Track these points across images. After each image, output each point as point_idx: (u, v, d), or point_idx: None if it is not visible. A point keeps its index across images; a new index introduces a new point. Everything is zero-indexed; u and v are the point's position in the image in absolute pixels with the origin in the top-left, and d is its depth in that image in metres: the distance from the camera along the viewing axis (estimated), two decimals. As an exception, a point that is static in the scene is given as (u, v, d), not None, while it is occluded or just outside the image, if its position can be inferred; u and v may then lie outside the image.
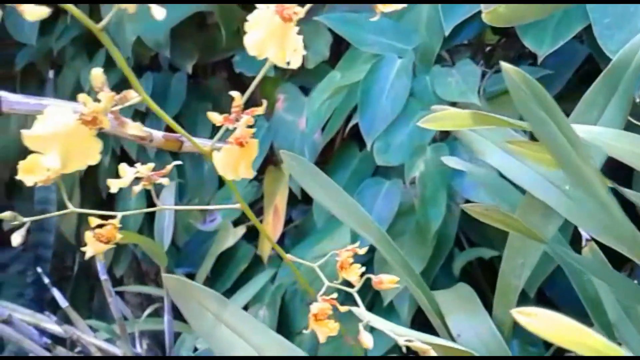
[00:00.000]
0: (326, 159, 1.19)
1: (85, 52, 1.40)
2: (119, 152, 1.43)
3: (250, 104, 0.46)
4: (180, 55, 1.31)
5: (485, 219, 0.53)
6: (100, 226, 0.46)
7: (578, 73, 0.94)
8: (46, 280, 0.92)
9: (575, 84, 0.94)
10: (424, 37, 0.95)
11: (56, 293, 0.87)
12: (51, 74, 1.37)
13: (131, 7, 0.31)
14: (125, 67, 0.33)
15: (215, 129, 1.40)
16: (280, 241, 1.28)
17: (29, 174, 0.42)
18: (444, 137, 0.92)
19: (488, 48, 1.15)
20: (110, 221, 0.47)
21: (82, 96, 0.34)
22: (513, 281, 0.55)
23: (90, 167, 1.31)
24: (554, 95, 0.93)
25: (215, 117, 0.40)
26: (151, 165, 0.47)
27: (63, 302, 0.87)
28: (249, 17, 0.37)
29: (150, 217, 1.46)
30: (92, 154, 0.34)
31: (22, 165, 0.42)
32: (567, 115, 0.99)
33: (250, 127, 0.41)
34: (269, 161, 1.28)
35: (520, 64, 1.03)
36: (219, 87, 1.40)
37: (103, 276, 0.81)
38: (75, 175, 1.49)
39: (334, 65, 1.21)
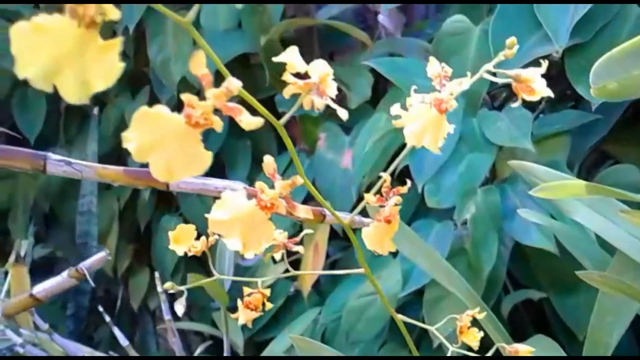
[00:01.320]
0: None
1: (129, 89, 1.44)
2: (158, 187, 1.46)
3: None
4: (223, 94, 1.34)
5: (601, 286, 0.54)
6: (249, 294, 0.48)
7: (625, 115, 0.96)
8: (107, 318, 0.94)
9: (622, 125, 0.96)
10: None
11: (117, 332, 0.89)
12: (95, 110, 1.40)
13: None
14: (222, 68, 0.34)
15: (254, 166, 1.42)
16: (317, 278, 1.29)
17: (178, 244, 0.44)
18: (493, 178, 0.93)
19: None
20: (259, 289, 0.49)
21: (259, 184, 0.36)
22: (604, 338, 0.55)
23: (128, 201, 1.33)
24: (601, 138, 0.95)
25: (370, 198, 0.42)
26: (285, 233, 0.49)
27: (124, 341, 0.89)
28: (411, 110, 0.40)
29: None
30: (267, 235, 0.35)
31: (172, 235, 0.44)
32: (615, 158, 1.01)
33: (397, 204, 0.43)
34: (309, 197, 1.30)
35: (563, 106, 1.05)
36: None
37: (167, 316, 0.83)
38: (114, 209, 1.51)
39: (374, 104, 1.24)
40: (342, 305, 1.03)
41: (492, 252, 0.83)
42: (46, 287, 0.71)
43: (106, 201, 1.49)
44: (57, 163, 0.38)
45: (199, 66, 0.29)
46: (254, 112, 0.33)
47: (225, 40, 1.27)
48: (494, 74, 0.41)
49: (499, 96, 1.09)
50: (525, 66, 0.89)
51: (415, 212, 1.03)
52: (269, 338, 1.20)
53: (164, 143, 0.29)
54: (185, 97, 0.30)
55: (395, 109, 0.40)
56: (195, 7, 0.31)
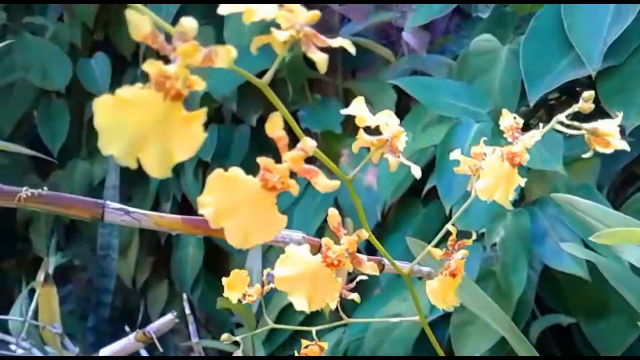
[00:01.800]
0: (384, 214, 1.19)
1: (152, 103, 1.45)
2: (179, 199, 1.46)
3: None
4: (246, 109, 1.35)
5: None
6: (306, 346, 0.48)
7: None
8: (127, 329, 0.93)
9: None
10: (498, 100, 0.97)
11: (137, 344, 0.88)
12: (119, 123, 1.41)
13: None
14: (294, 126, 0.33)
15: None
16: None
17: (232, 290, 0.44)
18: (521, 200, 0.92)
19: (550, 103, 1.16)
20: (318, 343, 0.48)
21: (325, 240, 0.36)
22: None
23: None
24: (628, 162, 0.94)
25: (436, 252, 0.42)
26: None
27: (144, 354, 0.88)
28: (484, 165, 0.39)
29: (206, 265, 1.48)
30: (333, 293, 0.34)
31: (226, 282, 0.44)
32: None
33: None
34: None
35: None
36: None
37: (195, 339, 0.82)
38: (135, 221, 1.51)
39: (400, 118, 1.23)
40: (366, 326, 1.02)
41: (522, 276, 0.82)
42: (113, 349, 0.71)
43: (127, 214, 1.50)
44: (116, 212, 0.38)
45: (275, 128, 0.29)
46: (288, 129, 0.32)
47: (249, 56, 1.27)
48: (568, 126, 0.40)
49: (520, 113, 1.08)
50: (557, 89, 0.88)
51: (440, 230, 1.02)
52: (291, 355, 1.19)
53: (239, 207, 0.28)
54: (262, 160, 0.29)
55: (456, 154, 0.40)
56: (273, 69, 0.31)
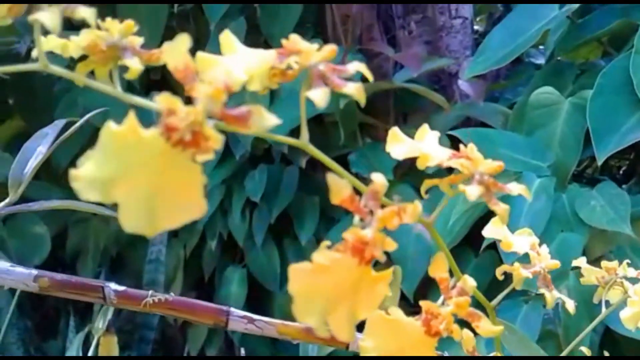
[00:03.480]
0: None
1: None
2: (225, 237, 1.47)
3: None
4: (296, 151, 1.35)
5: None
6: None
7: None
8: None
9: None
10: (559, 154, 0.95)
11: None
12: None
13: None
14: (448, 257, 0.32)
15: (321, 223, 1.40)
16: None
17: None
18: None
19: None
20: None
21: (429, 305, 0.35)
22: None
23: (194, 250, 1.34)
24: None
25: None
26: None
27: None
28: (632, 293, 0.38)
29: (248, 302, 1.47)
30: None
31: None
32: None
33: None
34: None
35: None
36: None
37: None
38: (181, 257, 1.52)
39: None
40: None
41: (585, 340, 0.79)
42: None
43: (173, 249, 1.51)
44: (240, 319, 0.38)
45: (439, 269, 0.29)
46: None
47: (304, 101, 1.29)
48: None
49: (588, 168, 1.06)
50: (623, 151, 0.86)
51: (491, 283, 1.00)
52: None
53: (401, 352, 0.27)
54: (425, 304, 0.28)
55: (580, 261, 0.39)
56: (303, 125, 0.28)
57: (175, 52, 0.22)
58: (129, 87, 1.52)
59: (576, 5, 1.03)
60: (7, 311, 1.21)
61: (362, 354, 0.27)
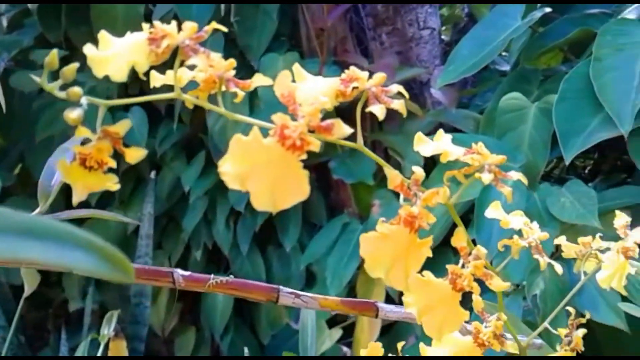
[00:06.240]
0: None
1: (185, 154, 1.50)
2: (210, 247, 1.50)
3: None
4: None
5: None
6: None
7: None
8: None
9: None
10: (528, 155, 1.02)
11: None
12: (153, 174, 1.45)
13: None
14: (455, 217, 0.39)
15: (304, 230, 1.43)
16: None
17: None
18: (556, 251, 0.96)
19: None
20: None
21: (475, 323, 0.40)
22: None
23: (180, 260, 1.37)
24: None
25: (561, 331, 0.45)
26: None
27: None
28: (605, 258, 0.45)
29: (235, 312, 1.50)
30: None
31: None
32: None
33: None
34: (363, 263, 1.33)
35: (616, 178, 1.09)
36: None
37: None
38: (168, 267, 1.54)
39: (427, 171, 1.28)
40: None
41: (561, 324, 0.85)
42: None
43: (158, 259, 1.53)
44: (288, 295, 0.44)
45: (460, 240, 0.36)
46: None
47: (281, 109, 1.33)
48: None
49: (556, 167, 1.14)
50: (587, 151, 0.93)
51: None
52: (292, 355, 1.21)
53: (434, 305, 0.35)
54: (450, 267, 0.37)
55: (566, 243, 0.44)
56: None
57: (282, 84, 0.29)
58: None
59: (538, 15, 1.10)
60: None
61: (405, 309, 0.33)
